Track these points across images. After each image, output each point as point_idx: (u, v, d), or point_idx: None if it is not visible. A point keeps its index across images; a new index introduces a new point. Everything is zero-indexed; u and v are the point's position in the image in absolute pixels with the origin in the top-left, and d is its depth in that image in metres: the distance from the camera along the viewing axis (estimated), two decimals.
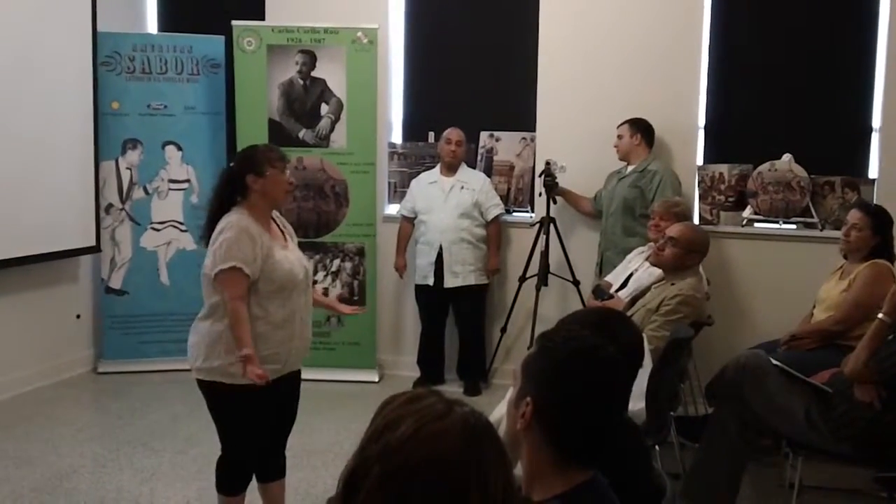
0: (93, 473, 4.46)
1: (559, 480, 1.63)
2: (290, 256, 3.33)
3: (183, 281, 6.17)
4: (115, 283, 6.21)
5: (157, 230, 6.25)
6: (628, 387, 1.71)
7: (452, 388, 5.67)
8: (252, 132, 5.83)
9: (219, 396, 3.28)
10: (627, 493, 1.79)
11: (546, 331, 1.80)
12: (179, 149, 6.25)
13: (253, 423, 3.32)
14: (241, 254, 3.15)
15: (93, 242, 6.03)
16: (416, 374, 5.98)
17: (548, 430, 1.63)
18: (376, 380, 6.07)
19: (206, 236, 3.31)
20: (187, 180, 6.28)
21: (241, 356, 3.11)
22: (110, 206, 6.16)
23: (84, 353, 6.27)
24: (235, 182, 3.30)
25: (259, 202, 3.28)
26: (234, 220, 3.22)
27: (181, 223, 6.27)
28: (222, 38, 6.19)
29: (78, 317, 6.21)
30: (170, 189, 6.25)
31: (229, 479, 3.41)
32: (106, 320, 6.22)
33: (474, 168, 6.01)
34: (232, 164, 3.43)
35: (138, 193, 6.21)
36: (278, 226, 3.44)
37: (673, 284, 4.14)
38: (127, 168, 6.19)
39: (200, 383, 3.30)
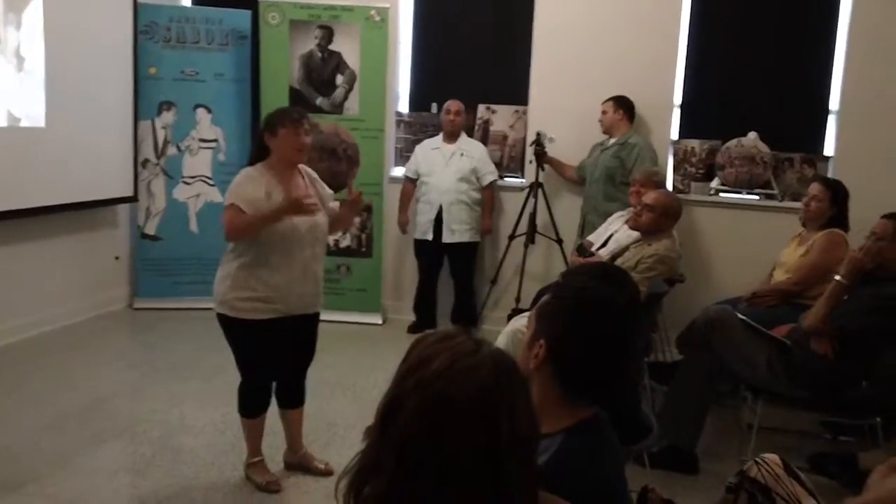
0: (129, 397, 4.38)
1: (566, 415, 1.55)
2: None
3: (210, 229, 6.03)
4: (150, 229, 6.10)
5: (188, 184, 6.11)
6: (634, 333, 1.63)
7: None
8: (274, 98, 5.69)
9: (227, 327, 3.25)
10: (620, 430, 1.72)
11: (558, 280, 1.71)
12: (209, 111, 6.10)
13: (257, 354, 3.27)
14: (242, 194, 3.13)
15: (131, 193, 5.93)
16: (415, 318, 5.89)
17: (559, 369, 1.54)
18: (380, 322, 5.99)
19: None
20: (215, 140, 6.14)
21: (278, 208, 3.08)
22: (147, 161, 6.02)
23: (122, 290, 6.17)
24: (261, 142, 3.25)
25: (275, 159, 3.21)
26: (243, 171, 3.23)
27: (209, 178, 6.13)
28: (249, 12, 6.02)
29: (117, 258, 6.11)
30: (200, 147, 6.11)
31: (246, 403, 3.39)
32: (141, 262, 6.12)
33: (471, 137, 5.87)
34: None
35: (172, 150, 6.07)
36: (306, 182, 3.32)
37: (650, 245, 4.06)
38: (162, 127, 6.04)
39: (217, 315, 3.26)
